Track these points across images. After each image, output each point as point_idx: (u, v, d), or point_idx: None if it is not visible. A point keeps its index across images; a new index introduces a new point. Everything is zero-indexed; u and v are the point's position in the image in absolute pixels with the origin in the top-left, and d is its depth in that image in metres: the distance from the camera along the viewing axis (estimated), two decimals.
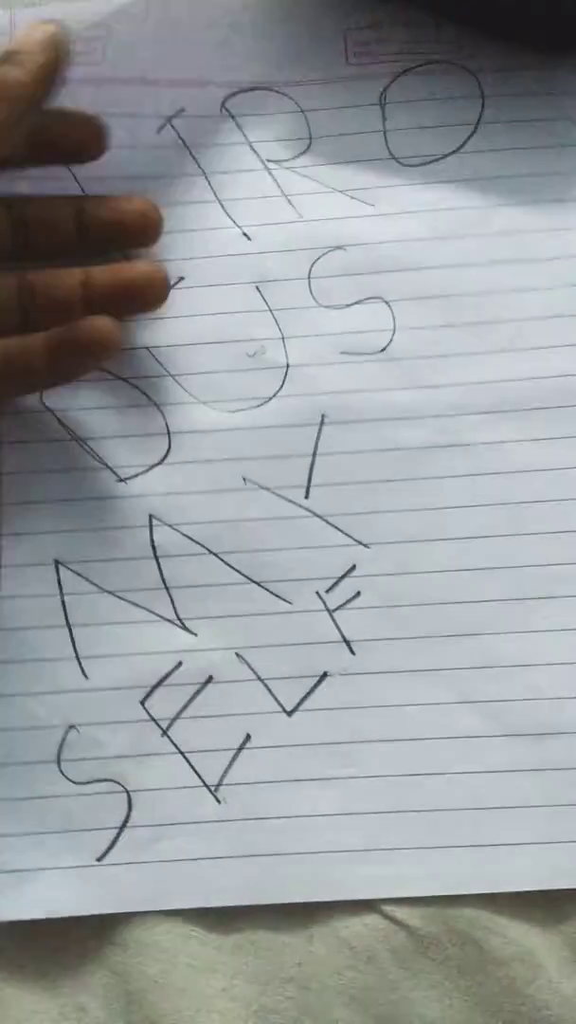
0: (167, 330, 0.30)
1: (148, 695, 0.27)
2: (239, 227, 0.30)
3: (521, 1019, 0.25)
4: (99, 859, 0.26)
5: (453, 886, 0.25)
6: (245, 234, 0.30)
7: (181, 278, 0.30)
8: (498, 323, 0.29)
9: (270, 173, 0.31)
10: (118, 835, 0.26)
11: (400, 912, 0.25)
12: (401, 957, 0.25)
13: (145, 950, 0.25)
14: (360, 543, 0.28)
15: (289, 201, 0.31)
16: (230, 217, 0.30)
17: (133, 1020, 0.25)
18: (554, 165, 0.30)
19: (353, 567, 0.28)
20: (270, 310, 0.30)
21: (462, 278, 0.30)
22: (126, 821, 0.26)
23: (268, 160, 0.31)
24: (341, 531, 0.28)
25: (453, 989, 0.25)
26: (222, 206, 0.31)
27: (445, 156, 0.31)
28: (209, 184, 0.31)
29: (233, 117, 0.31)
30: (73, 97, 0.31)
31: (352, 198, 0.30)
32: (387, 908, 0.25)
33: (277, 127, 0.31)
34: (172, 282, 0.30)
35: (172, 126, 0.32)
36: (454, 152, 0.31)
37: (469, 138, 0.31)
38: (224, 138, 0.31)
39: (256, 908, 0.25)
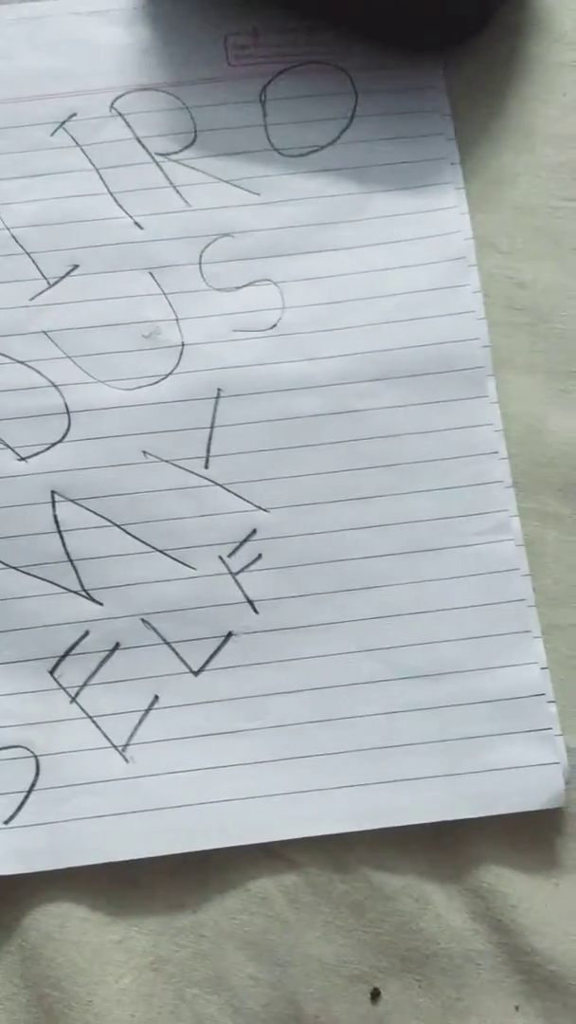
0: (63, 314, 0.31)
1: (56, 665, 0.28)
2: (131, 217, 0.32)
3: (412, 955, 0.25)
4: (6, 822, 0.26)
5: (357, 823, 0.26)
6: (137, 223, 0.32)
7: (76, 265, 0.31)
8: (378, 298, 0.31)
9: (159, 166, 0.32)
10: (25, 798, 0.26)
11: (294, 854, 0.26)
12: (294, 898, 0.26)
13: (40, 907, 0.25)
14: (260, 508, 0.29)
15: (178, 191, 0.32)
16: (121, 208, 0.32)
17: (29, 975, 0.25)
18: (422, 152, 0.32)
19: (254, 531, 0.29)
20: (164, 294, 0.31)
21: (343, 259, 0.31)
22: (34, 784, 0.26)
23: (156, 153, 0.32)
24: (241, 498, 0.29)
25: (345, 929, 0.26)
26: (114, 198, 0.32)
27: (323, 147, 0.32)
28: (101, 178, 0.32)
29: (122, 116, 0.33)
30: None
31: (238, 187, 0.32)
32: (282, 851, 0.26)
33: (164, 123, 0.33)
34: (66, 269, 0.31)
35: (65, 129, 0.33)
36: (331, 143, 0.33)
37: (344, 130, 0.33)
38: (114, 135, 0.33)
39: (153, 860, 0.26)
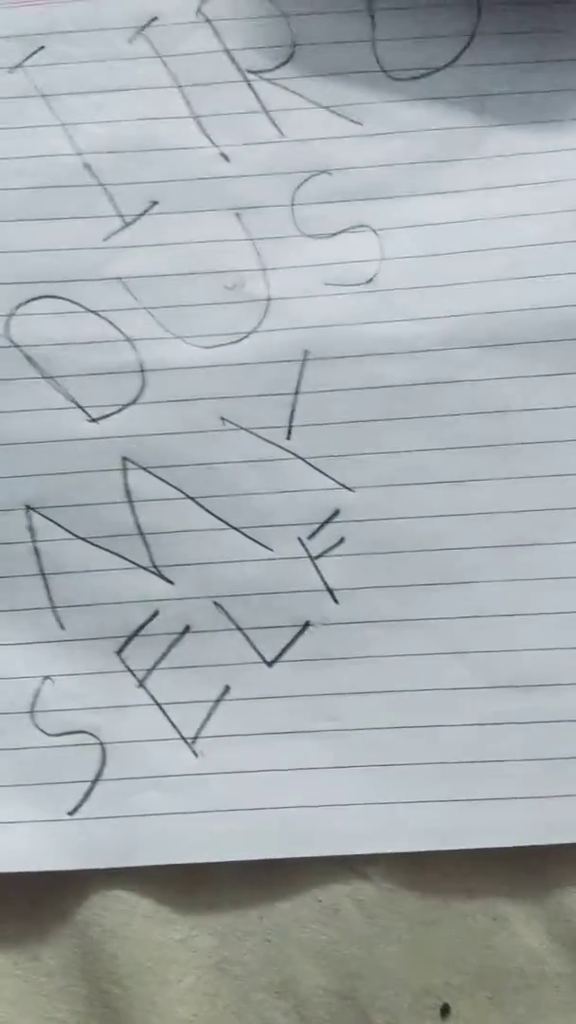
0: (140, 259, 0.28)
1: (124, 646, 0.26)
2: (217, 147, 0.28)
3: (485, 972, 0.24)
4: (70, 813, 0.25)
5: (435, 842, 0.24)
6: (223, 155, 0.28)
7: (155, 202, 0.28)
8: (492, 251, 0.27)
9: (250, 86, 0.28)
10: (91, 789, 0.25)
11: (368, 866, 0.25)
12: (367, 911, 0.25)
13: (103, 902, 0.25)
14: (344, 487, 0.27)
15: (270, 118, 0.28)
16: (207, 136, 0.28)
17: (89, 970, 0.24)
18: (553, 82, 0.28)
19: (337, 512, 0.26)
20: (250, 239, 0.28)
21: (453, 204, 0.28)
22: (99, 774, 0.25)
23: (248, 71, 0.29)
24: (324, 474, 0.27)
25: (418, 944, 0.24)
26: (198, 123, 0.28)
27: (438, 70, 0.28)
28: (184, 98, 0.29)
29: (210, 23, 0.29)
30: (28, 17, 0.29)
31: (338, 115, 0.28)
32: (356, 862, 0.25)
33: (258, 33, 0.29)
34: (144, 207, 0.28)
35: (144, 36, 0.29)
36: (447, 66, 0.28)
37: (464, 51, 0.28)
38: (200, 46, 0.29)
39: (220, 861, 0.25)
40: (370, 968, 0.24)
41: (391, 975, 0.24)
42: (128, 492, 0.27)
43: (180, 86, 0.29)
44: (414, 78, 0.28)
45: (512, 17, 0.28)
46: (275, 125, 0.28)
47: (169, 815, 0.25)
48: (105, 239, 0.28)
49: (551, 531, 0.26)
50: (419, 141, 0.28)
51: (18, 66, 0.29)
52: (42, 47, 0.29)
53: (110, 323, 0.27)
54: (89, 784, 0.25)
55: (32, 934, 0.25)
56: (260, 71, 0.29)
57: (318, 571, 0.26)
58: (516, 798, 0.24)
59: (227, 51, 0.29)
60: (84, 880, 0.25)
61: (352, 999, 0.24)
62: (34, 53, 0.29)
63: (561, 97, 0.28)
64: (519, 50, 0.28)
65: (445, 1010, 0.24)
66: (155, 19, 0.29)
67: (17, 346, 0.27)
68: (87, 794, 0.25)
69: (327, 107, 0.28)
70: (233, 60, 0.29)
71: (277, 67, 0.29)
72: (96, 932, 0.25)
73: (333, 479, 0.27)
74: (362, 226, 0.28)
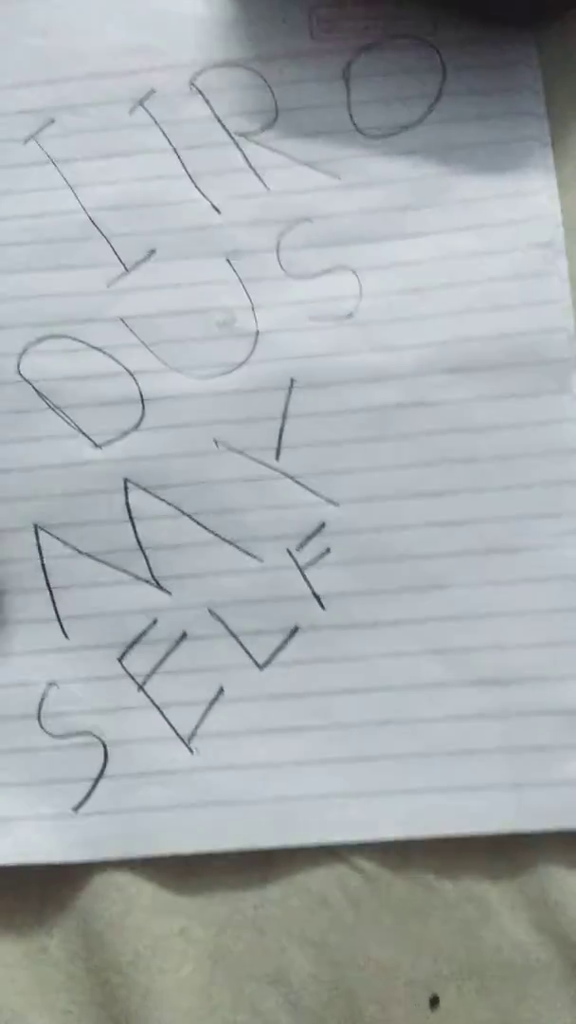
0: (139, 301, 0.31)
1: (125, 652, 0.28)
2: (209, 200, 0.31)
3: (473, 963, 0.25)
4: (75, 808, 0.26)
5: (417, 829, 0.26)
6: (215, 207, 0.31)
7: (153, 251, 0.31)
8: (460, 286, 0.30)
9: (238, 147, 0.32)
10: (94, 785, 0.27)
11: (356, 856, 0.26)
12: (356, 901, 0.26)
13: (105, 893, 0.26)
14: (330, 501, 0.29)
15: (257, 174, 0.31)
16: (200, 191, 0.31)
17: (92, 959, 0.26)
18: (513, 133, 0.31)
19: (323, 525, 0.29)
20: (240, 281, 0.31)
21: (424, 245, 0.30)
22: (102, 772, 0.27)
23: (236, 133, 0.32)
24: (311, 490, 0.29)
25: (406, 934, 0.25)
26: (192, 180, 0.31)
27: (407, 127, 0.31)
28: (179, 159, 0.32)
29: (201, 93, 0.32)
30: (41, 95, 0.33)
31: (318, 170, 0.31)
32: (343, 852, 0.26)
33: (244, 101, 0.32)
34: (143, 255, 0.31)
35: (143, 107, 0.33)
36: (416, 123, 0.31)
37: (431, 109, 0.31)
38: (193, 114, 0.32)
39: (215, 853, 0.26)
40: (359, 958, 0.25)
41: (380, 965, 0.25)
42: (129, 511, 0.29)
43: (176, 149, 0.32)
44: (386, 136, 0.31)
45: (474, 78, 0.31)
46: (261, 180, 0.31)
47: (168, 808, 0.26)
48: (108, 284, 0.31)
49: (519, 537, 0.28)
50: (392, 190, 0.31)
51: (32, 137, 0.32)
52: (52, 120, 0.33)
53: (113, 358, 0.30)
54: (93, 781, 0.27)
55: (41, 926, 0.26)
56: (247, 133, 0.32)
57: (306, 580, 0.28)
58: (495, 787, 0.26)
59: (217, 117, 0.32)
60: (87, 872, 0.26)
61: (343, 988, 0.25)
62: (46, 126, 0.33)
63: (518, 146, 0.31)
64: (481, 106, 0.31)
65: (434, 1000, 0.25)
66: (153, 91, 0.33)
67: (28, 381, 0.30)
68: (91, 791, 0.27)
69: (308, 163, 0.31)
70: (223, 125, 0.32)
71: (262, 130, 0.32)
72: (98, 923, 0.26)
73: (319, 495, 0.29)
74: (342, 267, 0.31)
